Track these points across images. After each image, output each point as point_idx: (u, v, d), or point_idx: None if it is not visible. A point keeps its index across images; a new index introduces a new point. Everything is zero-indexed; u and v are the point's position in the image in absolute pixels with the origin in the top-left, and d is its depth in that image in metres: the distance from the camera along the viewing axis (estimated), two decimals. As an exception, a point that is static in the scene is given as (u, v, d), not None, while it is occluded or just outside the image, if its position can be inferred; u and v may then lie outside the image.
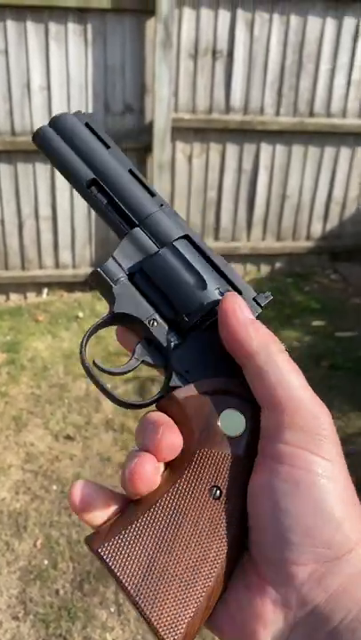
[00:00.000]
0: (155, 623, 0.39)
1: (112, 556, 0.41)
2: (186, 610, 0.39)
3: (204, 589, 0.40)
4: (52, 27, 3.59)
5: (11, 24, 3.53)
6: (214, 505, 0.42)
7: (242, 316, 0.44)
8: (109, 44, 3.72)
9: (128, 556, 0.41)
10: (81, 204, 4.05)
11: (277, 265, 4.63)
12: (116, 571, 0.40)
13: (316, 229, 4.58)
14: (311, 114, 4.20)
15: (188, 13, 3.77)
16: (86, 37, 3.67)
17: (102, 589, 2.07)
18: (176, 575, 0.40)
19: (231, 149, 4.19)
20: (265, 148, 4.23)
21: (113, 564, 0.41)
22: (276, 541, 0.40)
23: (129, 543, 0.41)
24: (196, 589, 0.40)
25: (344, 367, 3.40)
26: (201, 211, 4.32)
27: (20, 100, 3.70)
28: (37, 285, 4.22)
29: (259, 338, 0.43)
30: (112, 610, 2.01)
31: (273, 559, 0.40)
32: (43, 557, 2.20)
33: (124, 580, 0.40)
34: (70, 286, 4.24)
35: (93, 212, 4.11)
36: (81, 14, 3.61)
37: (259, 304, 0.48)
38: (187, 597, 0.40)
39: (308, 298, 4.26)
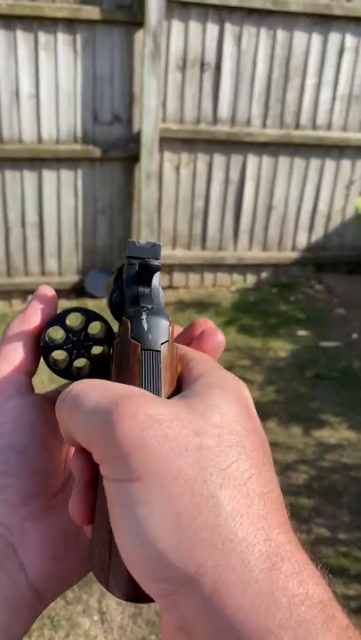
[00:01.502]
0: (106, 586, 0.39)
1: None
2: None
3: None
4: (42, 36, 3.62)
5: (0, 33, 3.55)
6: None
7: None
8: (98, 54, 3.76)
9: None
10: (68, 211, 4.06)
11: (263, 275, 4.67)
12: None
13: (302, 240, 4.63)
14: (297, 126, 4.26)
15: (176, 26, 3.82)
16: (75, 47, 3.70)
17: (86, 597, 2.06)
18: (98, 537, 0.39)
19: (218, 160, 4.23)
20: (252, 160, 4.28)
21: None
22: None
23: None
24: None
25: (329, 377, 3.43)
26: (188, 220, 4.35)
27: (8, 108, 3.71)
28: (23, 293, 4.20)
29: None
30: (95, 618, 2.00)
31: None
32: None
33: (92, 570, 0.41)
34: (56, 294, 4.22)
35: (80, 220, 4.14)
36: (70, 25, 3.64)
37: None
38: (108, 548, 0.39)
39: (293, 308, 4.30)
